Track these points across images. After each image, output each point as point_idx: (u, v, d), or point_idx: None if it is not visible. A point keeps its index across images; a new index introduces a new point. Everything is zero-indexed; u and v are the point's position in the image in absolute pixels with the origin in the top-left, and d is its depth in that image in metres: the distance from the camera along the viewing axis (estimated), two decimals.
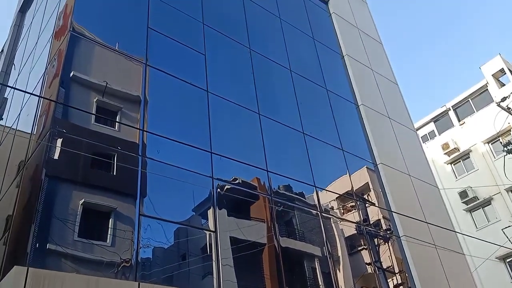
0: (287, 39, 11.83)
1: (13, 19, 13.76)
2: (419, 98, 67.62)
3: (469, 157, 26.30)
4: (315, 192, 9.17)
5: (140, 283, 5.52)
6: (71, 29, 7.24)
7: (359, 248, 9.40)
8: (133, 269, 5.69)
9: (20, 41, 12.31)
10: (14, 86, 10.11)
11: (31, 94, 7.82)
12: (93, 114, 6.61)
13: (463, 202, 24.81)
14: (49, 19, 9.41)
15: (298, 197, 9.00)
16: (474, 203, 24.57)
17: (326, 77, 12.03)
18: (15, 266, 4.81)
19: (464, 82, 68.45)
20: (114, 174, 6.47)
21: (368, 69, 13.69)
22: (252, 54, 10.40)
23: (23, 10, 13.37)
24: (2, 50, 13.44)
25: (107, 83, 7.08)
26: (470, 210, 24.84)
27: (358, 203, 10.12)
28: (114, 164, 6.45)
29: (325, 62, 12.52)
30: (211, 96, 8.65)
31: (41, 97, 7.19)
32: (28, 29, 11.71)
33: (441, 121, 28.68)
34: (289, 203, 8.68)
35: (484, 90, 26.96)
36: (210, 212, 7.10)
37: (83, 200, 5.78)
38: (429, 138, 28.82)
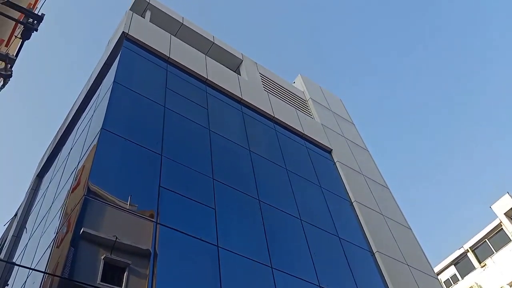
0: (295, 188, 12.06)
1: (30, 184, 14.33)
2: (431, 239, 65.93)
3: None
4: None
5: None
6: (85, 193, 7.47)
7: None
8: None
9: (34, 205, 12.63)
10: (23, 252, 10.04)
11: (34, 270, 7.75)
12: (96, 287, 6.40)
13: None
14: (66, 183, 9.79)
15: None
16: None
17: (337, 225, 11.93)
18: None
19: (475, 221, 67.45)
20: None
21: (378, 215, 13.63)
22: (262, 205, 10.50)
23: (41, 175, 14.01)
24: (16, 214, 13.71)
25: (116, 237, 7.04)
26: None
27: None
28: None
29: (334, 210, 12.55)
30: (222, 251, 8.48)
31: (46, 273, 7.08)
32: (44, 193, 12.11)
33: (462, 264, 27.54)
34: None
35: (499, 229, 26.48)
36: None
37: None
38: (452, 283, 27.34)
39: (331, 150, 15.34)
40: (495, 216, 26.69)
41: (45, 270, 7.25)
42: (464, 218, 70.78)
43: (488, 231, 26.76)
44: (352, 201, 13.36)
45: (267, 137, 13.61)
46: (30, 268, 8.19)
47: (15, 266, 10.24)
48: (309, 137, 15.08)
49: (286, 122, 14.75)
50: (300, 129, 15.02)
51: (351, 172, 14.89)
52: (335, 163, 14.84)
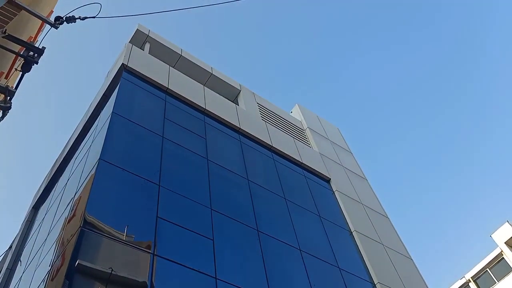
0: (293, 218, 11.95)
1: (25, 215, 14.17)
2: (434, 270, 64.97)
3: None
4: None
5: None
6: (82, 224, 7.37)
7: None
8: None
9: (29, 237, 12.45)
10: (17, 286, 9.83)
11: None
12: None
13: None
14: (62, 214, 9.68)
15: None
16: None
17: (337, 255, 11.77)
18: None
19: (476, 249, 66.69)
20: None
21: (379, 245, 13.48)
22: (260, 236, 10.37)
23: (36, 206, 13.87)
24: (11, 247, 13.49)
25: (112, 269, 6.90)
26: None
27: None
28: None
29: (334, 240, 12.41)
30: (220, 283, 8.32)
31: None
32: (39, 225, 11.96)
33: None
34: None
35: (500, 258, 26.20)
36: None
37: None
38: None
39: (330, 179, 15.30)
40: (496, 245, 26.44)
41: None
42: (465, 247, 70.05)
43: (489, 261, 26.46)
44: (352, 230, 13.23)
45: (265, 166, 13.59)
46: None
47: None
48: (308, 166, 15.07)
49: (284, 152, 14.76)
50: (298, 158, 15.02)
51: (350, 201, 14.80)
52: (333, 192, 14.78)
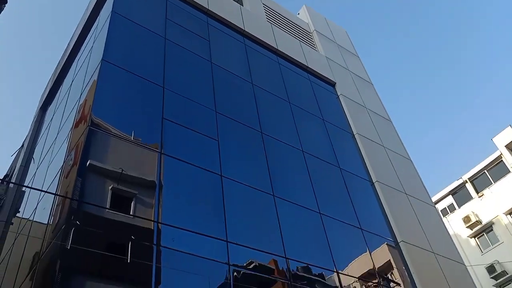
0: (297, 121, 12.13)
1: (34, 115, 14.45)
2: (433, 172, 67.07)
3: (492, 229, 25.52)
4: (336, 274, 8.83)
5: None
6: (89, 123, 7.56)
7: None
8: None
9: (40, 136, 12.82)
10: (32, 181, 10.36)
11: (46, 192, 7.99)
12: (107, 208, 6.66)
13: (492, 278, 23.60)
14: (69, 115, 9.87)
15: (319, 279, 8.66)
16: (504, 277, 23.34)
17: (338, 156, 12.13)
18: None
19: (476, 153, 68.18)
20: (129, 262, 6.36)
21: (380, 147, 13.81)
22: (264, 138, 10.62)
23: (44, 107, 14.08)
24: (23, 145, 13.96)
25: (122, 170, 7.23)
26: (500, 286, 23.52)
27: (382, 283, 9.68)
28: (128, 253, 6.36)
29: (336, 142, 12.70)
30: (225, 180, 8.72)
31: (57, 194, 7.33)
32: (48, 125, 12.25)
33: (460, 194, 28.26)
34: (309, 287, 8.34)
35: (499, 161, 26.85)
36: None
37: None
38: (448, 212, 28.21)
39: (335, 83, 15.23)
40: (496, 148, 26.98)
41: (55, 195, 7.52)
42: (464, 151, 71.53)
43: (488, 163, 27.17)
44: (354, 133, 13.48)
45: (270, 70, 13.47)
46: (41, 190, 8.45)
47: (26, 193, 10.61)
48: (313, 70, 14.91)
49: (290, 55, 14.52)
50: (304, 62, 14.82)
51: (354, 105, 14.88)
52: (338, 96, 14.80)
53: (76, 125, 8.67)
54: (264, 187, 9.33)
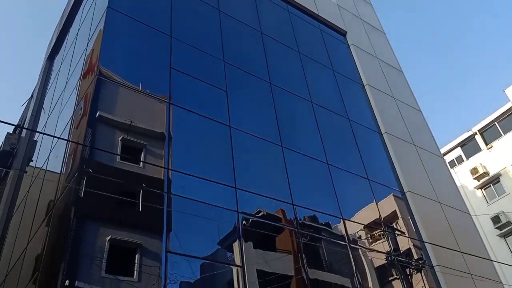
0: (307, 72, 11.97)
1: (42, 65, 14.40)
2: (443, 123, 66.69)
3: (499, 181, 25.64)
4: (342, 222, 9.03)
5: None
6: (97, 73, 7.53)
7: (390, 279, 9.12)
8: None
9: (49, 86, 12.84)
10: (43, 131, 10.48)
11: (60, 138, 8.08)
12: (118, 154, 6.76)
13: (496, 228, 24.01)
14: (77, 64, 9.82)
15: (325, 228, 8.87)
16: (508, 228, 23.72)
17: (348, 107, 12.05)
18: None
19: (488, 105, 67.32)
20: (140, 210, 6.54)
21: (390, 98, 13.66)
22: (273, 88, 10.54)
23: (51, 57, 13.99)
24: (32, 95, 14.02)
25: (131, 121, 7.27)
26: (504, 236, 23.95)
27: (387, 232, 9.90)
28: (139, 201, 6.53)
29: (346, 93, 12.57)
30: (234, 131, 8.75)
31: (69, 140, 7.43)
32: (57, 75, 12.22)
33: (468, 146, 28.18)
34: (316, 235, 8.55)
35: (510, 113, 26.51)
36: (235, 246, 7.06)
37: (109, 237, 5.84)
38: (456, 164, 28.27)
39: (346, 32, 14.86)
40: (508, 100, 26.56)
41: (66, 144, 7.63)
42: (476, 103, 70.61)
43: (498, 115, 26.86)
44: (364, 84, 13.31)
45: (280, 18, 13.13)
46: (54, 136, 8.57)
47: (38, 143, 10.77)
48: (324, 19, 14.51)
49: (300, 3, 14.09)
50: (314, 11, 14.40)
51: (365, 55, 14.58)
52: (349, 46, 14.49)
53: (84, 75, 8.65)
54: (273, 138, 9.37)
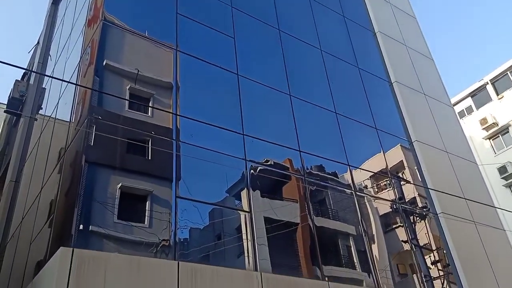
0: (316, 18, 11.66)
1: (46, 11, 14.15)
2: (455, 73, 65.45)
3: (508, 131, 25.49)
4: (348, 171, 9.12)
5: (180, 262, 5.69)
6: (103, 19, 7.40)
7: (394, 226, 9.33)
8: (172, 249, 5.88)
9: (54, 32, 12.67)
10: (50, 82, 10.46)
11: (69, 82, 8.07)
12: (127, 99, 6.77)
13: (502, 178, 24.15)
14: (81, 10, 9.63)
15: (332, 176, 8.98)
16: None
17: (358, 56, 11.82)
18: (61, 247, 5.05)
19: (501, 54, 65.61)
20: (149, 158, 6.64)
21: (401, 45, 13.35)
22: (282, 35, 10.32)
23: (55, 2, 13.71)
24: (38, 42, 13.88)
25: (138, 70, 7.23)
26: (509, 186, 24.14)
27: (393, 181, 10.01)
28: (149, 149, 6.61)
29: (356, 40, 12.29)
30: (242, 79, 8.68)
31: (78, 85, 7.42)
32: (62, 20, 12.03)
33: (479, 96, 27.77)
34: (323, 183, 8.68)
35: None
36: (243, 194, 7.21)
37: (120, 184, 5.98)
38: (466, 114, 28.01)
39: None
40: None
41: (75, 91, 7.64)
42: (489, 52, 68.79)
43: (511, 64, 26.26)
44: (376, 31, 12.97)
45: None
46: (63, 80, 8.56)
47: (46, 91, 10.80)
48: None
49: None
50: None
51: (377, 0, 14.11)
52: None
53: (89, 22, 8.50)
54: (281, 86, 9.29)
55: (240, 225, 6.92)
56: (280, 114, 9.01)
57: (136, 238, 5.74)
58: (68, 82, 8.11)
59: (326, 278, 7.14)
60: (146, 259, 5.49)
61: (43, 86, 11.48)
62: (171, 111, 7.23)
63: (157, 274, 5.41)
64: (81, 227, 5.45)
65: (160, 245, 5.83)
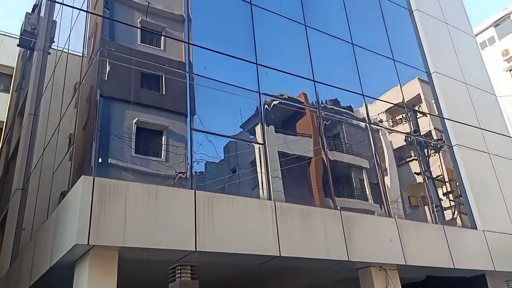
0: None
1: None
2: (479, 0, 62.10)
3: None
4: (364, 104, 9.03)
5: (197, 190, 5.87)
6: None
7: (408, 159, 9.38)
8: (189, 180, 6.04)
9: None
10: (60, 16, 10.24)
11: (80, 9, 7.88)
12: (139, 28, 6.65)
13: None
14: None
15: (346, 110, 8.91)
16: None
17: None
18: (82, 176, 5.22)
19: None
20: (163, 93, 6.63)
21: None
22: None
23: None
24: None
25: (149, 2, 7.03)
26: None
27: (408, 114, 9.92)
28: (162, 83, 6.59)
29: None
30: (255, 8, 8.39)
31: (90, 12, 7.26)
32: None
33: (502, 26, 26.54)
34: (337, 116, 8.63)
35: None
36: (258, 128, 7.23)
37: (136, 119, 6.03)
38: (488, 45, 26.96)
39: None
40: None
41: (86, 22, 7.50)
42: None
43: None
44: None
45: None
46: (74, 7, 8.36)
47: (57, 24, 10.62)
48: None
49: None
50: None
51: None
52: None
53: None
54: (296, 16, 8.98)
55: (254, 159, 7.03)
56: (294, 45, 8.78)
57: (153, 171, 5.90)
58: (80, 9, 7.92)
59: (338, 207, 7.32)
60: (165, 188, 5.67)
61: (54, 18, 11.28)
62: (183, 46, 7.10)
63: (175, 202, 5.60)
64: (100, 160, 5.59)
65: (177, 178, 5.98)
